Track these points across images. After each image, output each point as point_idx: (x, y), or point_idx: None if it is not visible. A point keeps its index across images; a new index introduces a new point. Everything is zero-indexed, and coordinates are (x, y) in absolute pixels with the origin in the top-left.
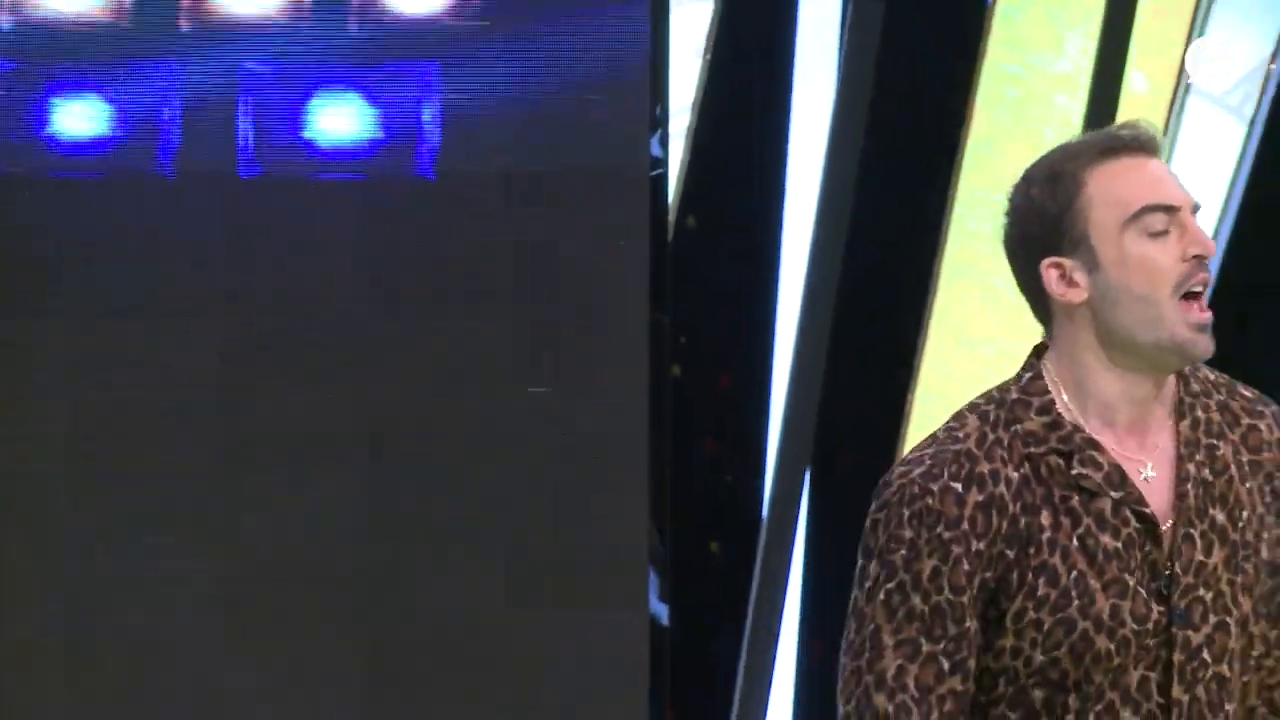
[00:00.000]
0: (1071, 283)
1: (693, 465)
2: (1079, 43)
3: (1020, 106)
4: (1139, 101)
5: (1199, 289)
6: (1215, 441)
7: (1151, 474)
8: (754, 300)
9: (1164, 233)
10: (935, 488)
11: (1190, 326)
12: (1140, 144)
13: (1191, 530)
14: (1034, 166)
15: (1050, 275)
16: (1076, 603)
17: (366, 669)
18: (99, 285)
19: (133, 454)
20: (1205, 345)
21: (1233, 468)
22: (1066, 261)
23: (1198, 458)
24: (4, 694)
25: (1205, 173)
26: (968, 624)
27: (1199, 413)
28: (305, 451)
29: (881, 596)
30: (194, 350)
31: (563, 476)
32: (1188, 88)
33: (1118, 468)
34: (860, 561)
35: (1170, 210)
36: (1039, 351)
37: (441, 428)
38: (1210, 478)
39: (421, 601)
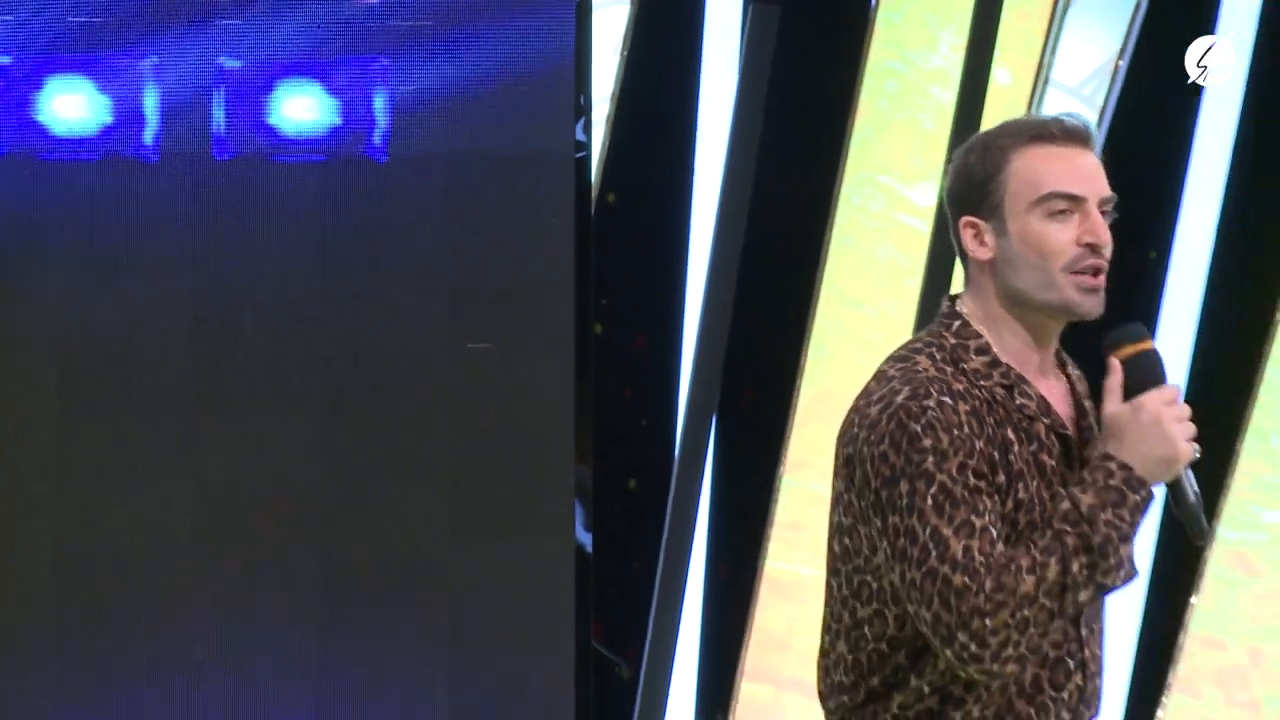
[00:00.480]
0: (982, 242)
1: (613, 412)
2: (951, 41)
3: (899, 98)
4: (1003, 93)
5: (1088, 271)
6: (1077, 383)
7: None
8: (667, 267)
9: (1066, 215)
10: (930, 403)
11: (1079, 290)
12: (1069, 135)
13: (1090, 453)
14: (979, 135)
15: (966, 232)
16: (1038, 509)
17: (322, 590)
18: (91, 251)
19: (118, 397)
20: (1093, 305)
21: (1090, 406)
22: (981, 223)
23: (1087, 395)
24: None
25: None
26: (997, 500)
27: (1064, 357)
28: (270, 397)
29: (929, 502)
30: (172, 308)
31: (499, 422)
32: (1046, 80)
33: (1042, 398)
34: (883, 493)
35: (1075, 199)
36: (953, 300)
37: (391, 378)
38: (1087, 410)
39: (372, 530)
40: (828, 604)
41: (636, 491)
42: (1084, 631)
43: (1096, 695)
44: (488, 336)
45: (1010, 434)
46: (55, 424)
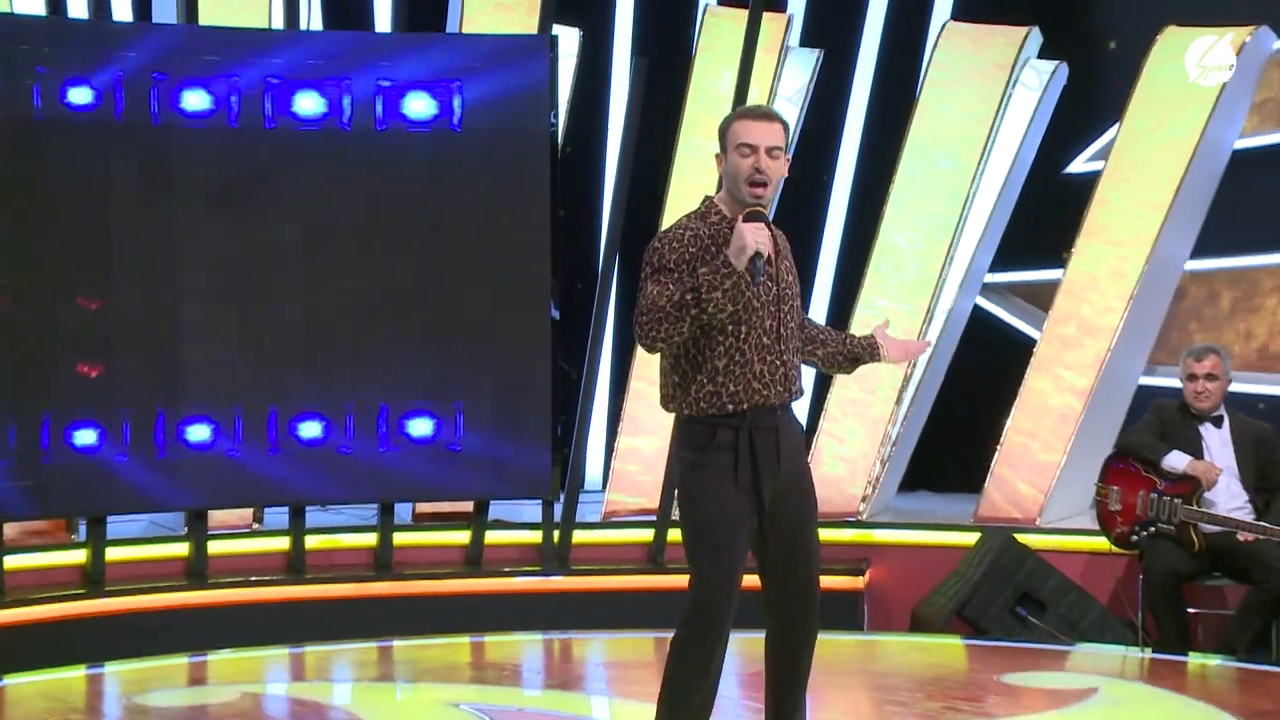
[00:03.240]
0: (721, 163)
1: (569, 255)
2: (730, 75)
3: (704, 105)
4: (756, 100)
5: (755, 183)
6: (779, 238)
7: (764, 245)
8: (597, 182)
9: (750, 155)
10: (668, 234)
11: (749, 191)
12: (757, 114)
13: (782, 260)
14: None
15: (717, 160)
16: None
17: (416, 334)
18: (321, 174)
19: (338, 246)
20: (758, 194)
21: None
22: (722, 155)
23: (782, 241)
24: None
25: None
26: (688, 277)
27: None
28: (404, 241)
29: (647, 275)
30: (351, 204)
31: (511, 261)
32: (775, 93)
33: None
34: (640, 274)
35: (753, 146)
36: (710, 197)
37: (457, 237)
38: (780, 247)
39: (448, 307)
40: None
41: (580, 290)
42: (786, 348)
43: (796, 378)
44: (505, 216)
45: (714, 247)
46: (302, 261)
